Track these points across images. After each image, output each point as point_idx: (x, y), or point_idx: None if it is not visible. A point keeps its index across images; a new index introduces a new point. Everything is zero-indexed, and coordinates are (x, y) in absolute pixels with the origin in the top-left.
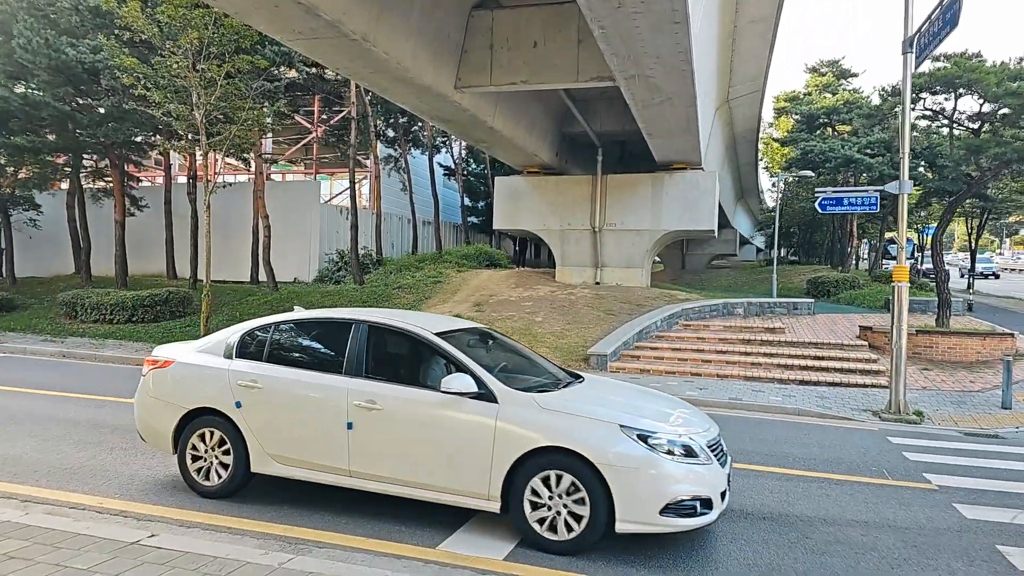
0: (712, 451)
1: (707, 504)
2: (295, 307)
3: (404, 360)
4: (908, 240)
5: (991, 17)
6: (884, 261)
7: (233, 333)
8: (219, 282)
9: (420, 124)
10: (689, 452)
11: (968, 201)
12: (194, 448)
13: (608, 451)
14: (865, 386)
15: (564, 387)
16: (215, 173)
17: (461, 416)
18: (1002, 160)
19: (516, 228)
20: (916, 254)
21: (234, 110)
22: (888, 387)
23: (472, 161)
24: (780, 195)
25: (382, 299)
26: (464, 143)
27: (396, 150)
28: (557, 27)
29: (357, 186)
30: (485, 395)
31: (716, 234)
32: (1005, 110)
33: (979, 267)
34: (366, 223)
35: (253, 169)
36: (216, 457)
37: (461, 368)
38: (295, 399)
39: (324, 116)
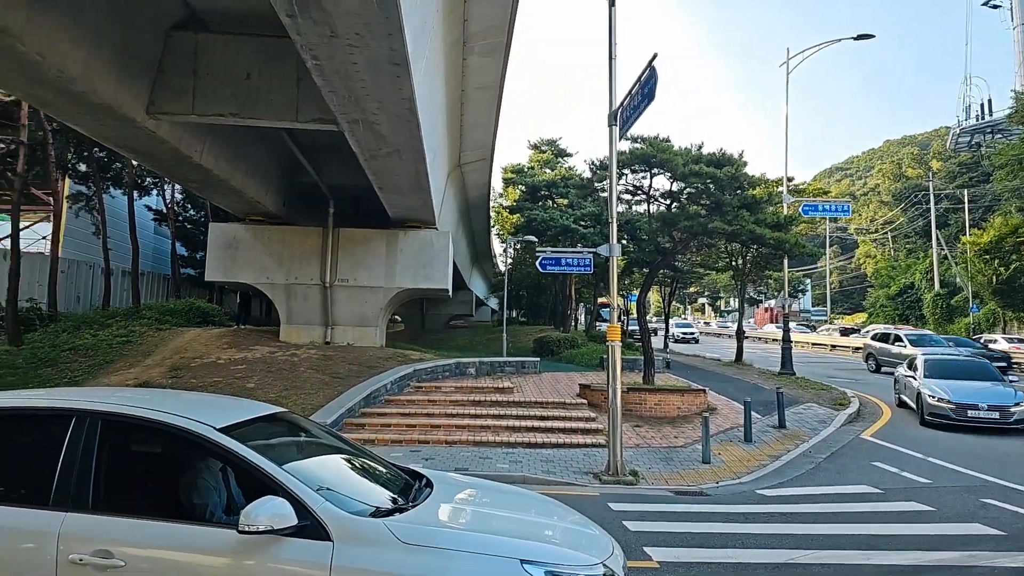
0: None
1: None
2: None
3: (167, 477)
4: (616, 305)
5: (679, 111)
6: (597, 323)
7: None
8: None
9: (123, 160)
10: None
11: (661, 272)
12: None
13: None
14: (586, 446)
15: (417, 499)
16: None
17: (273, 568)
18: (690, 232)
19: (234, 281)
20: (623, 317)
21: None
22: (607, 446)
23: (190, 206)
24: (510, 260)
25: (45, 363)
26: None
27: (90, 188)
28: (274, 60)
29: (36, 227)
30: (310, 528)
31: (451, 294)
32: (690, 189)
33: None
34: (42, 271)
35: None
36: None
37: (269, 486)
38: None
39: (1, 145)
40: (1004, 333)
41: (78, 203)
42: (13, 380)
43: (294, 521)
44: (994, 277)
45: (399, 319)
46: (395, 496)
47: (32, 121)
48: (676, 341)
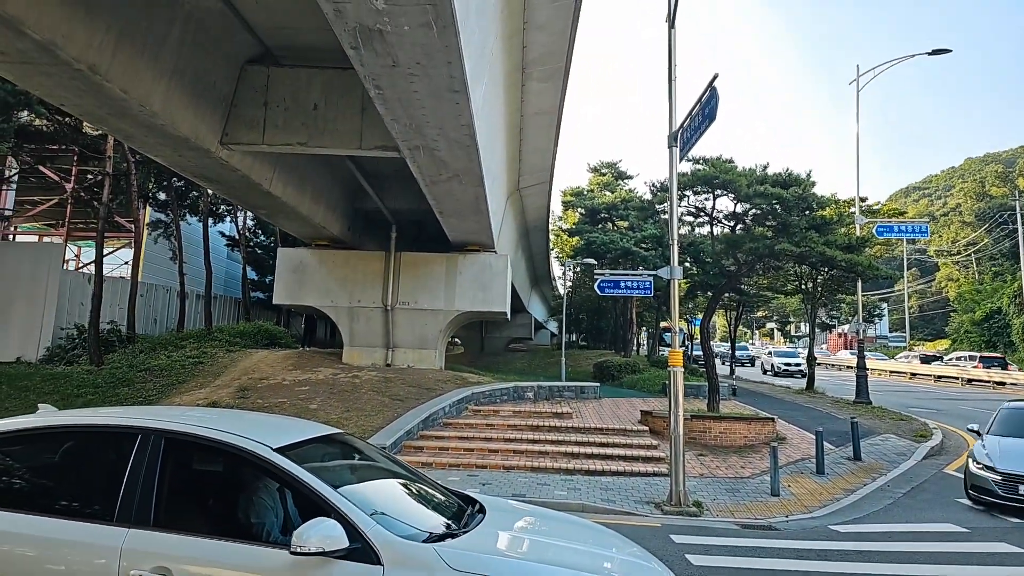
0: None
1: None
2: (40, 406)
3: (224, 495)
4: (680, 329)
5: (739, 136)
6: (660, 347)
7: None
8: None
9: (199, 189)
10: None
11: (727, 295)
12: None
13: None
14: (647, 474)
15: (469, 525)
16: None
17: None
18: (756, 254)
19: (300, 304)
20: (687, 342)
21: None
22: (669, 475)
23: (261, 232)
24: (569, 283)
25: (122, 383)
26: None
27: (168, 215)
28: (340, 91)
29: (119, 253)
30: (361, 551)
31: (508, 316)
32: (755, 210)
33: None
34: (123, 295)
35: None
36: None
37: (322, 507)
38: (21, 570)
39: (90, 176)
40: None
41: (157, 230)
42: (92, 398)
43: (345, 543)
44: None
45: (459, 342)
46: (447, 521)
47: (117, 153)
48: (776, 374)
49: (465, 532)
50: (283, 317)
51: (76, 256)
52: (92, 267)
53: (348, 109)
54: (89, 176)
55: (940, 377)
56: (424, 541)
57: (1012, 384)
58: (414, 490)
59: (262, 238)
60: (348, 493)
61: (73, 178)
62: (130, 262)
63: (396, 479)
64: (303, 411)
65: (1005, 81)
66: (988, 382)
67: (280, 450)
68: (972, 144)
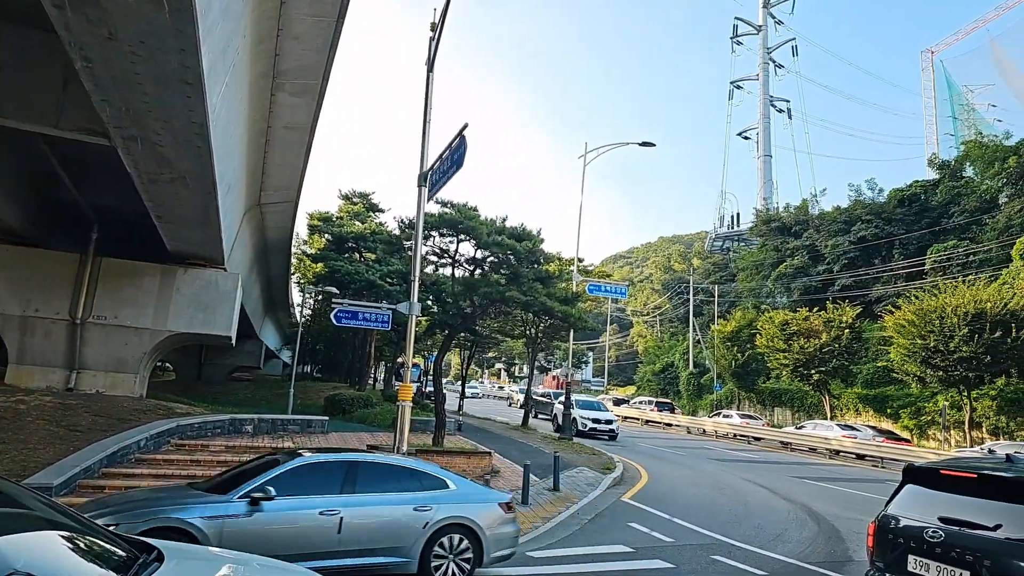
0: None
1: None
2: None
3: None
4: (416, 365)
5: (489, 184)
6: (396, 382)
7: None
8: None
9: None
10: None
11: (463, 335)
12: None
13: None
14: None
15: None
16: None
17: None
18: (489, 299)
19: None
20: (423, 378)
21: None
22: None
23: None
24: (309, 311)
25: None
26: None
27: None
28: (37, 55)
29: None
30: None
31: (234, 342)
32: (492, 258)
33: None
34: None
35: None
36: None
37: None
38: None
39: None
40: (738, 410)
41: None
42: None
43: None
44: (733, 361)
45: (169, 367)
46: (110, 574)
47: None
48: (580, 434)
49: None
50: None
51: None
52: None
53: (45, 77)
54: None
55: (627, 418)
56: None
57: (676, 425)
58: (72, 540)
59: None
60: None
61: None
62: None
63: (48, 527)
64: None
65: (697, 174)
66: (659, 423)
67: None
68: (665, 225)
